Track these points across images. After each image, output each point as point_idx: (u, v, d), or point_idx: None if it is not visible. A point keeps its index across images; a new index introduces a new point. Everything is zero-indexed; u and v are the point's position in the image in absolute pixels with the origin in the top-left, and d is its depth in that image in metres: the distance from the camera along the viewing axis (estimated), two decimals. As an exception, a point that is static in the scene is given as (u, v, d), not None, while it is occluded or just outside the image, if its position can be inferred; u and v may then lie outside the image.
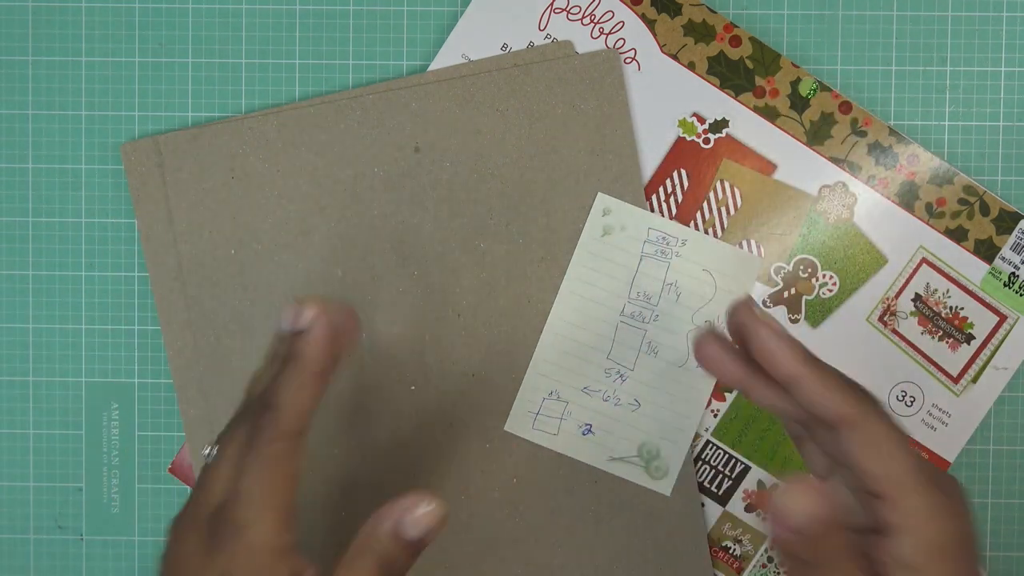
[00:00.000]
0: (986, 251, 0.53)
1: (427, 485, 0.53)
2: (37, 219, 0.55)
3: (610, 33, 0.54)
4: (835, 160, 0.53)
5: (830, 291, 0.54)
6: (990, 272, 0.53)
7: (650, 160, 0.54)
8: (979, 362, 0.53)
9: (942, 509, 0.36)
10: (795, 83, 0.53)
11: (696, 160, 0.54)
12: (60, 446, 0.55)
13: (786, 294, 0.54)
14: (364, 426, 0.53)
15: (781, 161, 0.54)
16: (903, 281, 0.53)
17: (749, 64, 0.53)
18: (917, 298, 0.53)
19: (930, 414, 0.53)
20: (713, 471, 0.54)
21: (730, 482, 0.54)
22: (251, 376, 0.42)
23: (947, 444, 0.53)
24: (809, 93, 0.53)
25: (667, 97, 0.54)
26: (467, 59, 0.54)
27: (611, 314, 0.53)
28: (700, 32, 0.54)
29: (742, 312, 0.39)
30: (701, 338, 0.41)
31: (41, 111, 0.55)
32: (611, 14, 0.54)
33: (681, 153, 0.54)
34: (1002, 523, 0.55)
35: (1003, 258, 0.53)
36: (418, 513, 0.41)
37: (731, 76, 0.54)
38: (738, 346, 0.40)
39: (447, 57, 0.54)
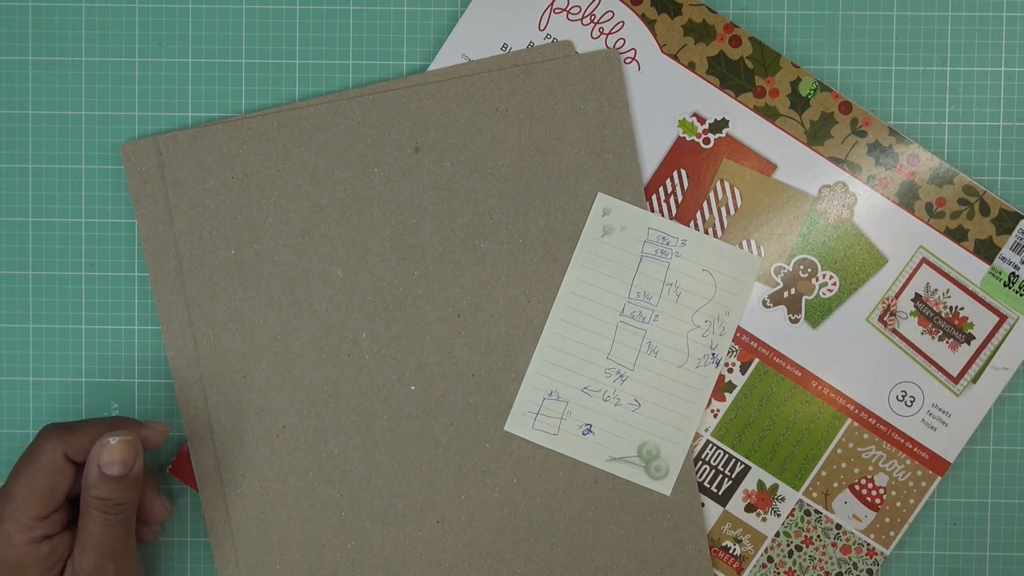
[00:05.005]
0: (986, 251, 0.53)
1: (427, 485, 0.53)
2: (37, 219, 0.55)
3: (610, 33, 0.54)
4: (835, 160, 0.53)
5: (830, 291, 0.54)
6: (990, 272, 0.53)
7: (650, 160, 0.54)
8: (979, 362, 0.53)
9: None
10: (795, 83, 0.53)
11: (696, 160, 0.54)
12: (60, 446, 0.55)
13: (786, 294, 0.54)
14: (364, 426, 0.53)
15: (781, 161, 0.54)
16: (903, 281, 0.53)
17: (749, 64, 0.53)
18: (917, 298, 0.53)
19: (930, 414, 0.53)
20: (713, 471, 0.54)
21: (730, 482, 0.54)
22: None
23: (947, 444, 0.53)
24: (809, 93, 0.53)
25: (667, 97, 0.54)
26: (467, 59, 0.54)
27: (611, 314, 0.53)
28: (700, 32, 0.54)
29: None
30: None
31: (41, 111, 0.55)
32: (611, 14, 0.54)
33: (681, 153, 0.54)
34: (1002, 523, 0.55)
35: (1003, 258, 0.53)
36: (108, 451, 0.47)
37: (731, 76, 0.54)
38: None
39: (447, 57, 0.54)
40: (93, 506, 0.47)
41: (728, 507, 0.54)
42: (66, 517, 0.49)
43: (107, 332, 0.55)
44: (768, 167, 0.54)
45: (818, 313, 0.54)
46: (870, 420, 0.54)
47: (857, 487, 0.54)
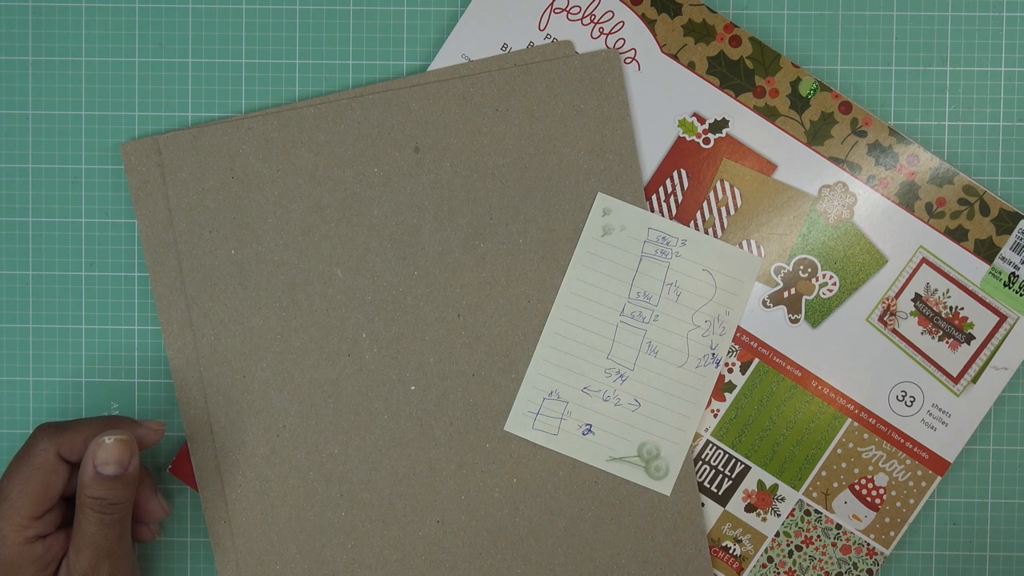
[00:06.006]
0: (986, 251, 0.53)
1: (427, 485, 0.53)
2: (37, 219, 0.55)
3: (610, 33, 0.54)
4: (835, 160, 0.53)
5: (830, 291, 0.54)
6: (990, 272, 0.53)
7: (650, 160, 0.54)
8: (979, 362, 0.53)
9: None
10: (795, 83, 0.53)
11: (696, 160, 0.54)
12: (60, 446, 0.55)
13: (786, 294, 0.54)
14: (364, 426, 0.53)
15: (781, 161, 0.54)
16: (903, 281, 0.53)
17: (749, 64, 0.53)
18: (917, 298, 0.53)
19: (930, 414, 0.53)
20: (713, 471, 0.54)
21: (730, 482, 0.54)
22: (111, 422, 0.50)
23: (947, 444, 0.53)
24: (809, 93, 0.53)
25: (667, 97, 0.54)
26: (467, 59, 0.54)
27: (611, 314, 0.53)
28: (700, 32, 0.54)
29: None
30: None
31: (41, 111, 0.55)
32: (611, 14, 0.54)
33: (681, 153, 0.54)
34: (1002, 523, 0.55)
35: (1003, 258, 0.53)
36: (103, 450, 0.47)
37: (731, 76, 0.54)
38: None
39: (447, 57, 0.54)
40: (88, 506, 0.47)
41: (728, 507, 0.54)
42: (60, 517, 0.49)
43: (107, 332, 0.55)
44: (768, 167, 0.54)
45: (818, 313, 0.54)
46: (870, 420, 0.54)
47: (857, 487, 0.54)
